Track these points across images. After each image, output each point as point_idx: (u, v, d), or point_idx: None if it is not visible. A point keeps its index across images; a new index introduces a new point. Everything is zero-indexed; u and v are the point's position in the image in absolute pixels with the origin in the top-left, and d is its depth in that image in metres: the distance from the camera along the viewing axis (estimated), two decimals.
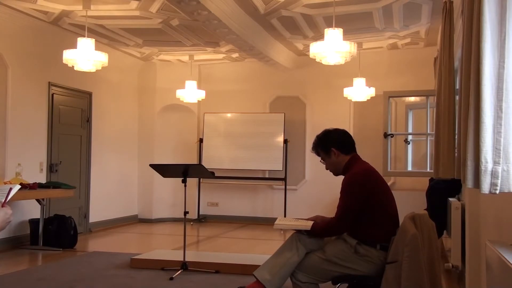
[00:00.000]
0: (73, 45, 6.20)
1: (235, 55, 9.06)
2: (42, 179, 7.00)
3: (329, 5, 6.24)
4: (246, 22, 6.92)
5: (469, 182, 1.91)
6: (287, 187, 9.02)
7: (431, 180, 6.03)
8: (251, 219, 9.43)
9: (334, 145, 3.35)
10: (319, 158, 3.44)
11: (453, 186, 5.02)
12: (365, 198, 3.15)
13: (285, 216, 8.49)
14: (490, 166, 1.84)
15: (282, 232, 8.03)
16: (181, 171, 5.03)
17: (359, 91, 7.92)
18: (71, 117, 7.80)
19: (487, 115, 1.84)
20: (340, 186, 3.25)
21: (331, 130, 3.44)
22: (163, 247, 6.96)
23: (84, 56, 6.10)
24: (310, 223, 3.27)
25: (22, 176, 6.49)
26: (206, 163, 8.62)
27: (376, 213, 3.17)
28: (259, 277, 3.15)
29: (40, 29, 7.08)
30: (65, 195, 6.79)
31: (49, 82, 7.29)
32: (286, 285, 3.21)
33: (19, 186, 1.90)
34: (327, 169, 3.45)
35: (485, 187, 1.85)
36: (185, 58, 9.29)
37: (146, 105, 9.67)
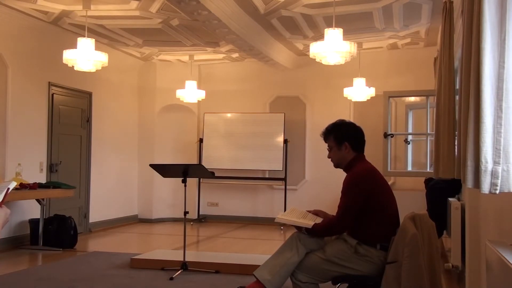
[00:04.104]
0: (73, 45, 6.20)
1: (235, 55, 9.06)
2: (42, 179, 7.00)
3: (329, 5, 6.24)
4: (246, 22, 6.92)
5: (469, 182, 1.91)
6: (287, 187, 9.01)
7: (426, 181, 5.99)
8: (251, 219, 9.43)
9: (349, 139, 3.31)
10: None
11: (453, 186, 5.02)
12: (366, 198, 3.14)
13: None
14: (490, 166, 1.84)
15: (282, 232, 8.03)
16: (181, 171, 5.02)
17: (359, 91, 7.91)
18: (71, 117, 7.80)
19: (487, 115, 1.84)
20: (341, 185, 3.25)
21: (349, 123, 3.37)
22: (163, 247, 6.96)
23: (84, 56, 6.10)
24: (311, 221, 3.27)
25: (22, 176, 6.49)
26: (206, 163, 8.62)
27: (376, 213, 3.16)
28: (259, 277, 3.15)
29: (40, 29, 7.08)
30: (65, 195, 6.79)
31: (49, 82, 7.29)
32: (286, 285, 3.20)
33: (15, 183, 1.89)
34: (329, 157, 3.40)
35: (485, 187, 1.85)
36: (185, 58, 9.29)
37: (146, 105, 9.67)
